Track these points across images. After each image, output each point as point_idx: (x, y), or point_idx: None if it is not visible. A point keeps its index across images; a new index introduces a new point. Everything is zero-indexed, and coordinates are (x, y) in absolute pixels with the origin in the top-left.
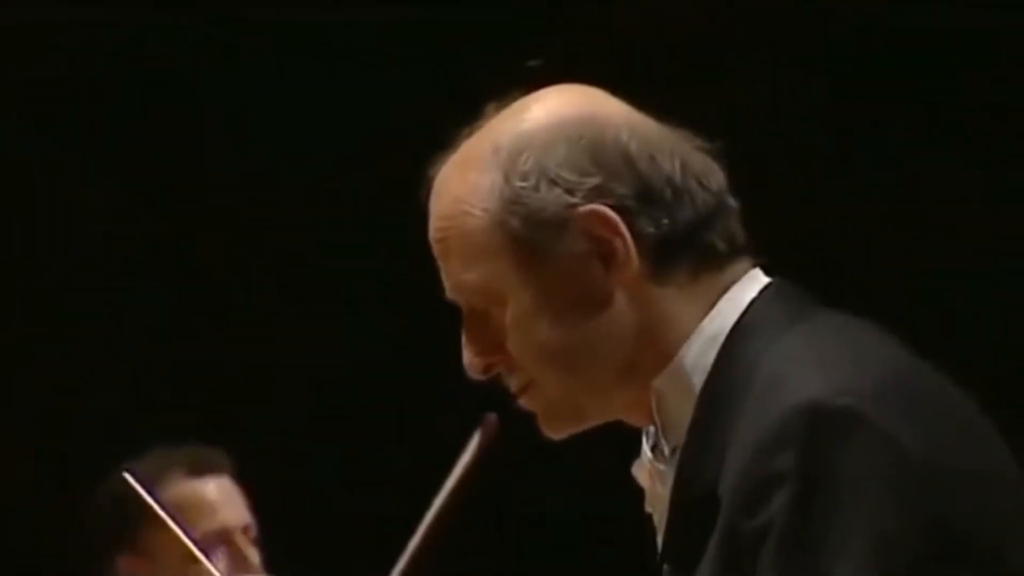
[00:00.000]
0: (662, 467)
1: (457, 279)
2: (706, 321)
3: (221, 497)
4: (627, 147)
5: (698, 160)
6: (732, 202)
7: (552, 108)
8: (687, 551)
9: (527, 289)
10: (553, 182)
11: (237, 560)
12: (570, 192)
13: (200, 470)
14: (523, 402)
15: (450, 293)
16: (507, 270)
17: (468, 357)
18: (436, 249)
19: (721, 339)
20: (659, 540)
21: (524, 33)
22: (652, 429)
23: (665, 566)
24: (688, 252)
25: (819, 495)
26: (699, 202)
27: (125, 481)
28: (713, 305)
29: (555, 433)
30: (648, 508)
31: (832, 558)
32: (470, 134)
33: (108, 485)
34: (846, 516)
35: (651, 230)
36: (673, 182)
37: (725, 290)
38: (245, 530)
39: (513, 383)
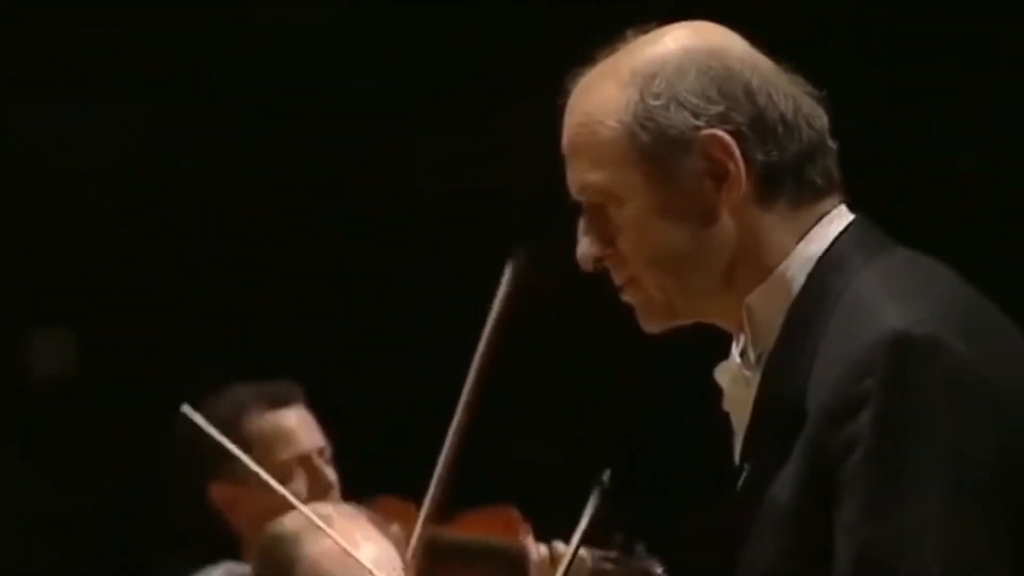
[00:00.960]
0: (748, 373)
1: (583, 179)
2: (800, 246)
3: (299, 425)
4: (749, 81)
5: (807, 102)
6: (832, 143)
7: (685, 39)
8: (768, 451)
9: (646, 196)
10: (682, 105)
11: (315, 480)
12: (696, 115)
13: (278, 402)
14: (625, 295)
15: (574, 191)
16: (631, 177)
17: (582, 249)
18: (567, 150)
19: (811, 265)
20: (737, 439)
21: None
22: (742, 337)
23: (743, 462)
24: (790, 182)
25: (901, 415)
26: (805, 138)
27: (211, 412)
28: (806, 233)
29: (649, 327)
30: (726, 407)
31: (911, 471)
32: (609, 54)
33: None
34: (924, 434)
35: (761, 158)
36: (785, 118)
37: (817, 221)
38: (320, 452)
39: (618, 277)
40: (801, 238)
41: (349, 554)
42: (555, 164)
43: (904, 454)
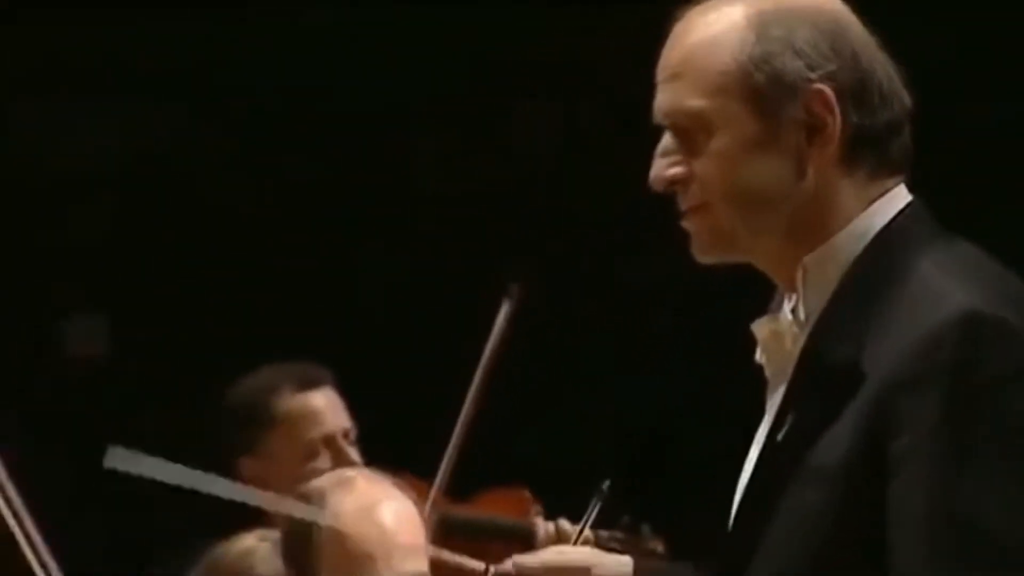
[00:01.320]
0: (796, 329)
1: (680, 102)
2: (864, 216)
3: (326, 406)
4: (857, 48)
5: (898, 81)
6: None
7: (786, 7)
8: (816, 405)
9: (743, 131)
10: (797, 54)
11: (340, 458)
12: (809, 68)
13: (308, 384)
14: (688, 221)
15: (662, 112)
16: (734, 110)
17: (657, 170)
18: (669, 72)
19: (869, 237)
20: (772, 390)
21: None
22: (792, 295)
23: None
24: (875, 152)
25: (971, 389)
26: (895, 112)
27: (244, 392)
28: (871, 204)
29: (704, 256)
30: (761, 360)
31: (976, 440)
32: None
33: (228, 396)
34: (991, 408)
35: (855, 121)
36: (882, 88)
37: (882, 195)
38: (346, 434)
39: (688, 201)
40: (866, 208)
41: (369, 513)
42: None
43: (969, 428)
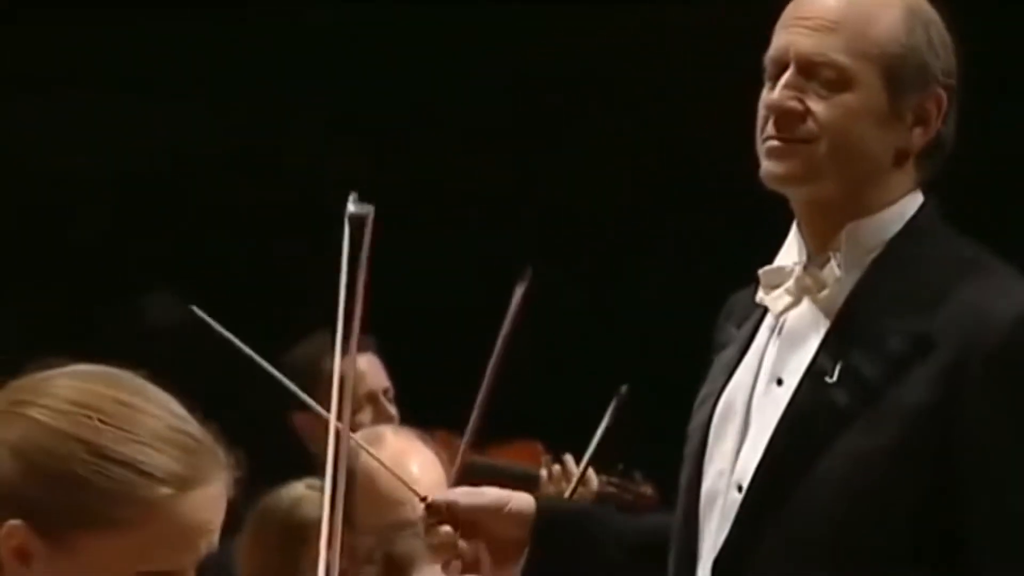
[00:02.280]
0: (809, 281)
1: (828, 52)
2: (899, 204)
3: (368, 368)
4: (955, 64)
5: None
6: None
7: (927, 5)
8: (874, 354)
9: (874, 99)
10: (938, 56)
11: (380, 414)
12: (944, 72)
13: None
14: (788, 146)
15: (805, 53)
16: (874, 79)
17: (780, 98)
18: (821, 22)
19: (903, 221)
20: (771, 328)
21: None
22: (802, 248)
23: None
24: (932, 157)
25: None
26: (951, 131)
27: (299, 354)
28: (905, 196)
29: (780, 178)
30: (761, 300)
31: None
32: None
33: (286, 358)
34: None
35: (939, 127)
36: (954, 102)
37: (912, 191)
38: (385, 392)
39: (798, 132)
40: (901, 198)
41: (397, 463)
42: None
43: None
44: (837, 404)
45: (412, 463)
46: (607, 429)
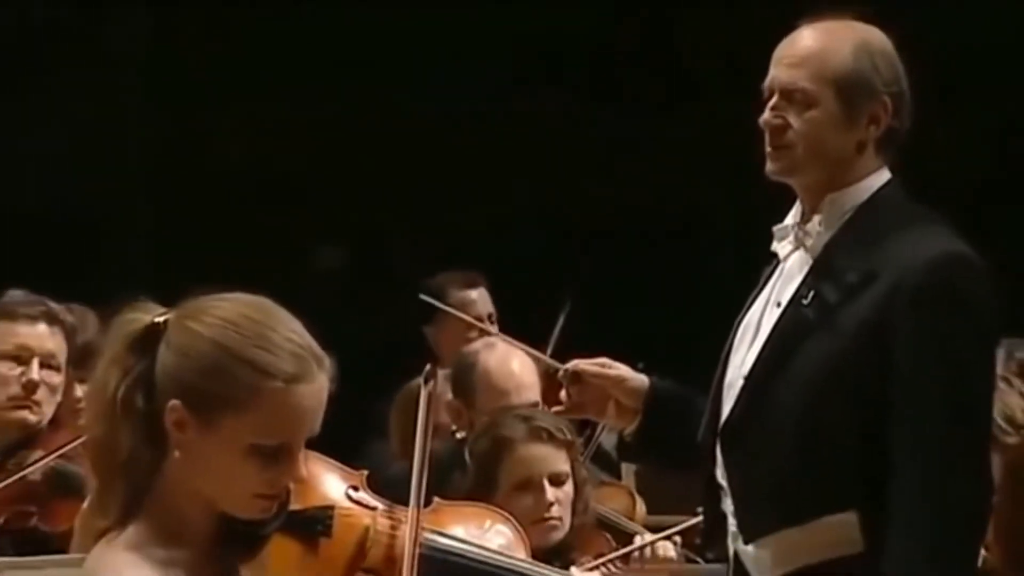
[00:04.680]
0: (802, 234)
1: (800, 81)
2: (868, 179)
3: (479, 297)
4: (902, 75)
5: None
6: None
7: (875, 33)
8: (837, 283)
9: (832, 112)
10: (879, 74)
11: (487, 332)
12: (884, 84)
13: (469, 284)
14: (776, 152)
15: (782, 83)
16: (831, 97)
17: (768, 117)
18: (793, 60)
19: (871, 192)
20: (781, 270)
21: None
22: (808, 214)
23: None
24: (890, 144)
25: (951, 302)
26: (906, 124)
27: (431, 285)
28: (872, 174)
29: (774, 175)
30: (775, 249)
31: (953, 337)
32: (836, 19)
33: (420, 287)
34: (966, 311)
35: (893, 124)
36: (908, 109)
37: (878, 170)
38: (490, 316)
39: (780, 141)
40: (870, 175)
41: (504, 363)
42: None
43: (946, 324)
44: (808, 320)
45: (514, 363)
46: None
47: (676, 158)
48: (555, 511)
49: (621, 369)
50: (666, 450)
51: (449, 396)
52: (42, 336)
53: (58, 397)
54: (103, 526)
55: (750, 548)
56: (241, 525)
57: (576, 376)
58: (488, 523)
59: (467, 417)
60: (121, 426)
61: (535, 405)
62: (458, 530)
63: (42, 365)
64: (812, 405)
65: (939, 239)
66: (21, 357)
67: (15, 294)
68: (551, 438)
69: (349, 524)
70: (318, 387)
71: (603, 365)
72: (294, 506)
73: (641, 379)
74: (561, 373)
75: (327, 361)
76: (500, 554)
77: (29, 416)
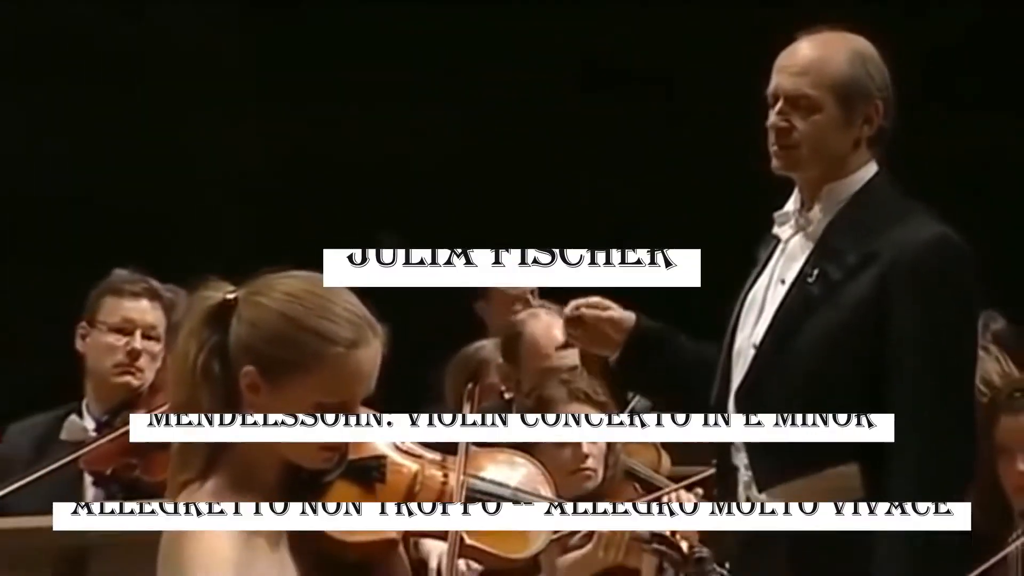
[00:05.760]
0: (803, 221)
1: (802, 88)
2: (860, 171)
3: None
4: (889, 81)
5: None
6: None
7: (864, 42)
8: (838, 263)
9: (832, 115)
10: (872, 79)
11: (529, 304)
12: (878, 88)
13: None
14: (783, 151)
15: (786, 90)
16: (831, 102)
17: (775, 120)
18: (796, 68)
19: (863, 182)
20: (783, 252)
21: None
22: (808, 203)
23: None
24: (880, 141)
25: (943, 280)
26: (891, 123)
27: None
28: (864, 166)
29: (780, 170)
30: (776, 232)
31: (945, 309)
32: (832, 30)
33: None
34: (956, 293)
35: (883, 124)
36: (893, 110)
37: (868, 162)
38: (533, 292)
39: (787, 141)
40: (861, 167)
41: (548, 330)
42: None
43: (938, 305)
44: (814, 296)
45: (555, 330)
46: None
47: None
48: (590, 463)
49: (613, 308)
50: (644, 377)
51: (499, 360)
52: (144, 310)
53: (157, 364)
54: (185, 479)
55: (763, 495)
56: (306, 474)
57: (577, 319)
58: (517, 460)
59: (514, 379)
60: (201, 390)
61: (574, 368)
62: (491, 469)
63: (144, 336)
64: (818, 371)
65: (929, 224)
66: (126, 329)
67: (120, 273)
68: (588, 399)
69: (399, 471)
70: (373, 352)
71: (598, 305)
72: (351, 457)
73: (628, 315)
74: (565, 315)
75: (380, 328)
76: (523, 491)
77: (132, 380)
